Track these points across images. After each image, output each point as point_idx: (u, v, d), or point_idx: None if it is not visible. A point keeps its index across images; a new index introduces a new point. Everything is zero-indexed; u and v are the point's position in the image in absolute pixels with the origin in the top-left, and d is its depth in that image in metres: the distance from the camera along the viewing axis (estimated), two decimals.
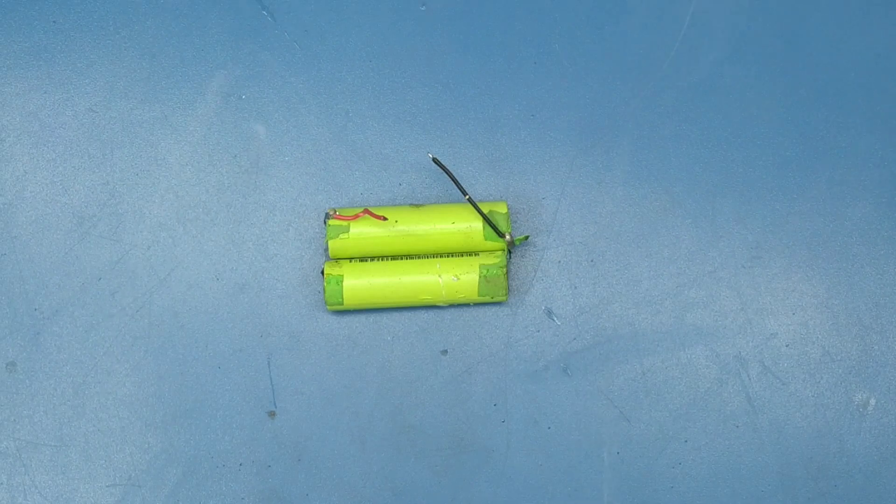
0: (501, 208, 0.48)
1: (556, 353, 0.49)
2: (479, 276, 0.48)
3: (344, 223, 0.48)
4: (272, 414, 0.49)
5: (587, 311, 0.50)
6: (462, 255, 0.49)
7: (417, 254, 0.49)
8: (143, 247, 0.50)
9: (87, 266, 0.49)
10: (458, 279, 0.48)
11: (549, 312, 0.50)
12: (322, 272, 0.48)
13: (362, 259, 0.49)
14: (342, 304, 0.48)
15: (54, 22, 0.51)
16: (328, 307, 0.48)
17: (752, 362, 0.50)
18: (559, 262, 0.50)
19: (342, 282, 0.48)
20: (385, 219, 0.48)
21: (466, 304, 0.49)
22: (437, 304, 0.49)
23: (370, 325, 0.49)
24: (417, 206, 0.49)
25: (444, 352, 0.50)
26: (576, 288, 0.50)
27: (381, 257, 0.49)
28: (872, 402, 0.49)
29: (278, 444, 0.49)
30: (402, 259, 0.49)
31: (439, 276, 0.48)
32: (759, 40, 0.52)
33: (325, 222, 0.48)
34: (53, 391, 0.49)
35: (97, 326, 0.49)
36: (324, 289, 0.48)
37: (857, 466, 0.49)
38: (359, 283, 0.48)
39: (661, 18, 0.52)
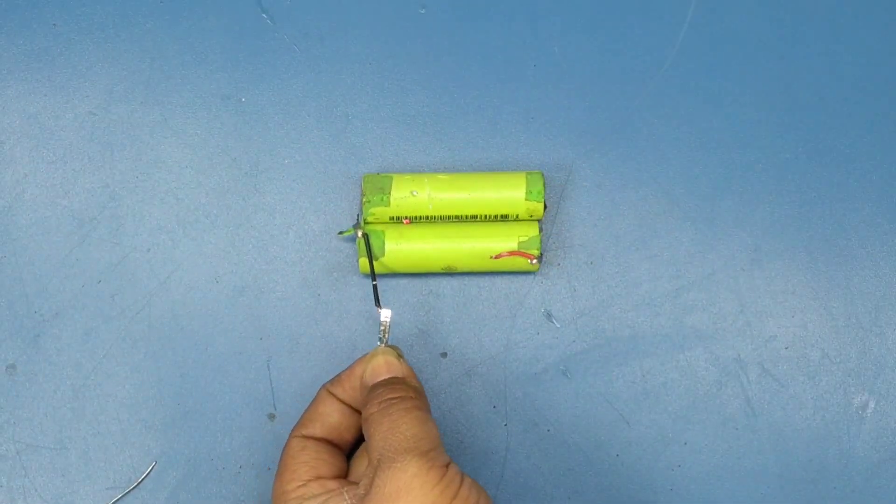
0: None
1: (556, 356, 0.50)
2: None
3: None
4: (272, 416, 0.49)
5: (586, 314, 0.50)
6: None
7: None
8: (142, 249, 0.50)
9: (86, 268, 0.50)
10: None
11: (549, 315, 0.50)
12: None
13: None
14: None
15: (54, 25, 0.51)
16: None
17: (752, 365, 0.50)
18: (558, 264, 0.50)
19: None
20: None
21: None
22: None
23: (370, 328, 0.49)
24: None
25: (444, 354, 0.50)
26: (575, 290, 0.50)
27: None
28: (871, 404, 0.49)
29: (278, 447, 0.49)
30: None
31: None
32: (758, 42, 0.52)
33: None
34: (53, 394, 0.49)
35: (97, 329, 0.49)
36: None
37: (857, 469, 0.49)
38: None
39: (660, 20, 0.52)
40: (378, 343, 0.46)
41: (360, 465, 0.44)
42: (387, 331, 0.46)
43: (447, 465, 0.39)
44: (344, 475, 0.44)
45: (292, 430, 0.44)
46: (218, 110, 0.51)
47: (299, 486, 0.42)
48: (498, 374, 0.49)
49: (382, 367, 0.44)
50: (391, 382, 0.42)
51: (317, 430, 0.44)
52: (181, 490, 0.49)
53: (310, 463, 0.43)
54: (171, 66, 0.51)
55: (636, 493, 0.49)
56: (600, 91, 0.51)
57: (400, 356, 0.45)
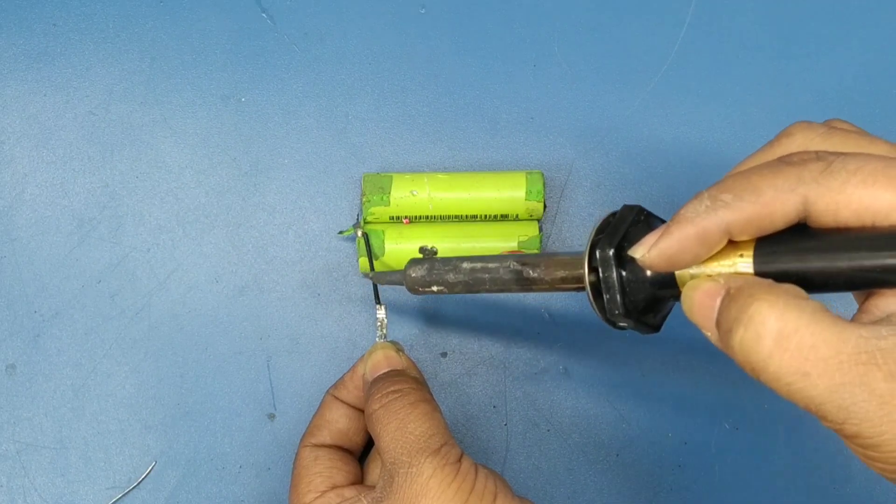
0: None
1: (556, 355, 0.49)
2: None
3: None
4: (272, 416, 0.49)
5: (587, 313, 0.50)
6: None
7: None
8: (142, 249, 0.50)
9: (86, 268, 0.50)
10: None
11: (549, 314, 0.50)
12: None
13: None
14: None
15: (54, 25, 0.51)
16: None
17: None
18: None
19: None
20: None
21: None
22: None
23: (370, 328, 0.49)
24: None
25: (444, 354, 0.50)
26: None
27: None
28: None
29: (278, 447, 0.49)
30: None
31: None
32: (759, 42, 0.52)
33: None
34: (53, 393, 0.49)
35: (97, 329, 0.49)
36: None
37: (859, 468, 0.49)
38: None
39: (660, 20, 0.52)
40: (377, 340, 0.46)
41: (374, 468, 0.43)
42: (384, 326, 0.46)
43: (460, 459, 0.38)
44: (359, 480, 0.43)
45: (301, 440, 0.44)
46: (218, 110, 0.51)
47: (316, 498, 0.41)
48: (498, 374, 0.49)
49: (382, 361, 0.43)
50: (391, 375, 0.42)
51: (326, 437, 0.43)
52: (181, 490, 0.49)
53: (324, 473, 0.42)
54: (171, 66, 0.51)
55: (636, 493, 0.49)
56: (600, 91, 0.51)
57: (400, 350, 0.44)
